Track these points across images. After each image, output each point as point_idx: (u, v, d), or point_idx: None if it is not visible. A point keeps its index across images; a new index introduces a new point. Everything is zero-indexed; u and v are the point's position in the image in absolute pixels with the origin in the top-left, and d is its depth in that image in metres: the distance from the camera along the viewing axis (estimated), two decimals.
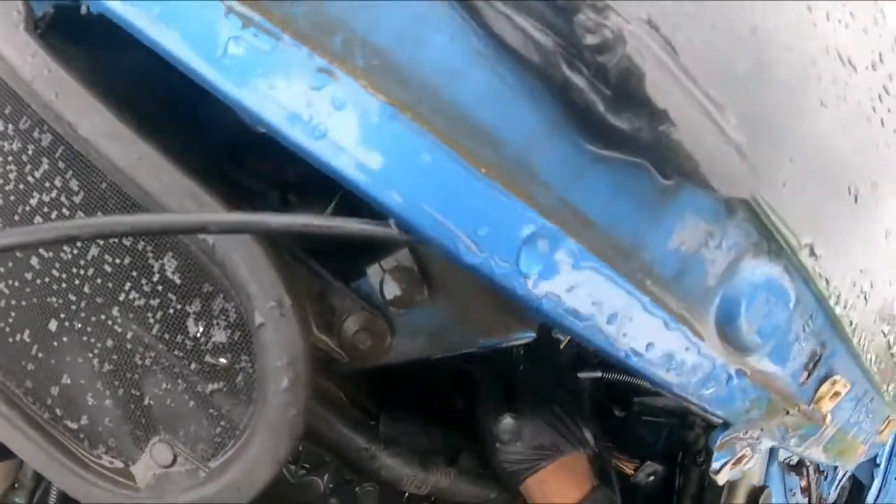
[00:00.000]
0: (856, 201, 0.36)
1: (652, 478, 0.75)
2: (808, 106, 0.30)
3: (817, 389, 0.46)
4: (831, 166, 0.33)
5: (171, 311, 0.34)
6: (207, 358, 0.35)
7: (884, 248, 0.41)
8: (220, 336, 0.35)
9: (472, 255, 0.25)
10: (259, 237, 0.31)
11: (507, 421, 0.52)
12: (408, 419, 0.57)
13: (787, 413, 0.45)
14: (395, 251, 0.39)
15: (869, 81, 0.35)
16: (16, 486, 0.74)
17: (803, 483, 0.76)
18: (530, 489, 0.52)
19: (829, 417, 0.47)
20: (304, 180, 0.43)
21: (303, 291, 0.36)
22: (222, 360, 0.35)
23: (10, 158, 0.38)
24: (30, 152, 0.37)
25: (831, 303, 0.38)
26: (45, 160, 0.36)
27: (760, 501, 0.67)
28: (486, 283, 0.26)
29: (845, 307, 0.40)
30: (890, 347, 0.52)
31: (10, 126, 0.38)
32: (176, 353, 0.35)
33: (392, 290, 0.38)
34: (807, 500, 0.77)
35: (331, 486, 0.55)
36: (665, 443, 0.79)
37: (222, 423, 0.36)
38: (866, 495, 1.03)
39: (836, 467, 0.91)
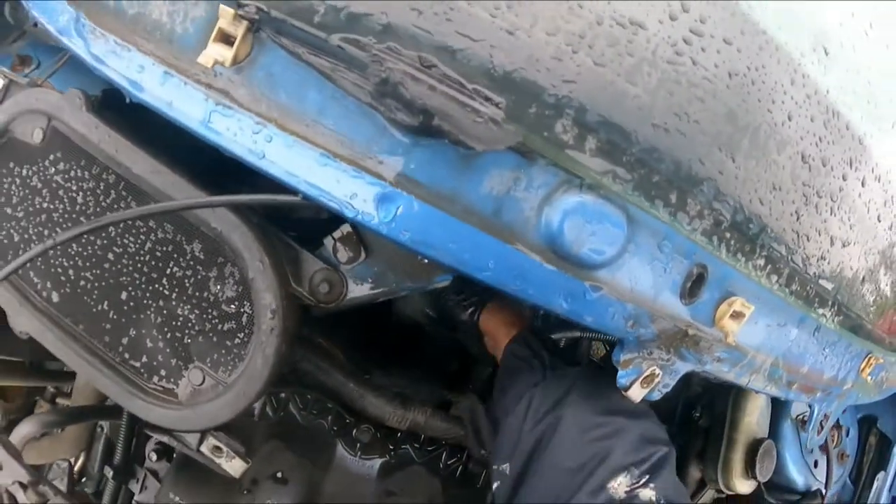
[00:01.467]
0: (667, 132, 0.65)
1: None
2: (578, 69, 0.61)
3: (715, 310, 0.73)
4: (622, 109, 0.63)
5: (199, 276, 0.76)
6: (224, 307, 0.76)
7: (733, 170, 0.69)
8: (230, 291, 0.75)
9: (351, 212, 0.62)
10: (248, 224, 0.71)
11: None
12: (399, 375, 0.95)
13: (687, 335, 0.73)
14: (341, 227, 0.77)
15: (667, 31, 0.64)
16: (84, 479, 1.22)
17: (805, 433, 0.98)
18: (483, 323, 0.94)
19: (732, 338, 0.74)
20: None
21: (282, 257, 0.75)
22: (233, 307, 0.75)
23: (88, 192, 0.83)
24: (102, 187, 0.82)
25: (668, 222, 0.67)
26: (112, 192, 0.81)
27: (760, 453, 0.92)
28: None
29: (691, 226, 0.68)
30: (804, 267, 0.75)
31: (86, 172, 0.83)
32: (204, 304, 0.76)
33: (342, 253, 0.77)
34: (825, 455, 0.98)
35: (334, 427, 0.94)
36: (666, 401, 1.06)
37: (234, 350, 0.76)
38: (893, 450, 1.17)
39: (857, 421, 1.08)
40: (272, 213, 0.79)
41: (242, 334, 0.76)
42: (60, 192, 0.84)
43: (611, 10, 0.63)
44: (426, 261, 0.77)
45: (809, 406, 1.04)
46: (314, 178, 0.62)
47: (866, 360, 0.89)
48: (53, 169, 0.84)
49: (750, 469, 0.92)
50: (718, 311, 0.75)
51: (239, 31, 0.62)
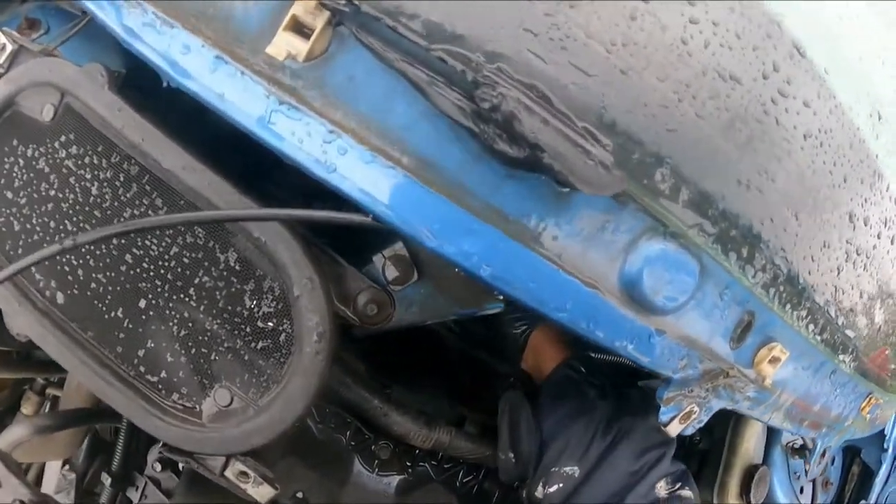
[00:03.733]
0: (748, 189, 0.57)
1: None
2: (682, 120, 0.52)
3: (755, 355, 0.67)
4: (713, 164, 0.54)
5: (233, 289, 0.61)
6: (259, 323, 0.62)
7: (794, 228, 0.61)
8: (267, 307, 0.61)
9: (430, 241, 0.49)
10: (295, 235, 0.57)
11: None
12: (419, 390, 0.83)
13: (728, 375, 0.66)
14: (393, 244, 0.64)
15: (759, 89, 0.56)
16: (66, 467, 1.03)
17: (807, 467, 0.95)
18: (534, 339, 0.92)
19: (769, 381, 0.68)
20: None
21: (327, 274, 0.61)
22: (270, 325, 0.61)
23: (105, 183, 0.65)
24: (121, 178, 0.65)
25: (735, 274, 0.59)
26: (134, 185, 0.64)
27: (755, 479, 0.87)
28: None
29: (755, 279, 0.61)
30: (833, 318, 0.71)
31: (104, 160, 0.65)
32: (236, 319, 0.62)
33: (391, 272, 0.64)
34: (811, 483, 0.96)
35: (352, 443, 0.81)
36: None
37: (268, 371, 0.62)
38: (874, 481, 1.19)
39: (842, 451, 1.08)
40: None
41: (279, 354, 0.62)
42: (72, 180, 0.66)
43: (715, 62, 0.54)
44: (480, 287, 0.66)
45: (802, 437, 1.01)
46: (392, 200, 0.49)
47: (867, 399, 0.86)
48: (64, 152, 0.66)
49: (745, 493, 0.89)
50: (758, 356, 0.69)
51: (318, 22, 0.48)
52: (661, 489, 0.72)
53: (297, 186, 0.67)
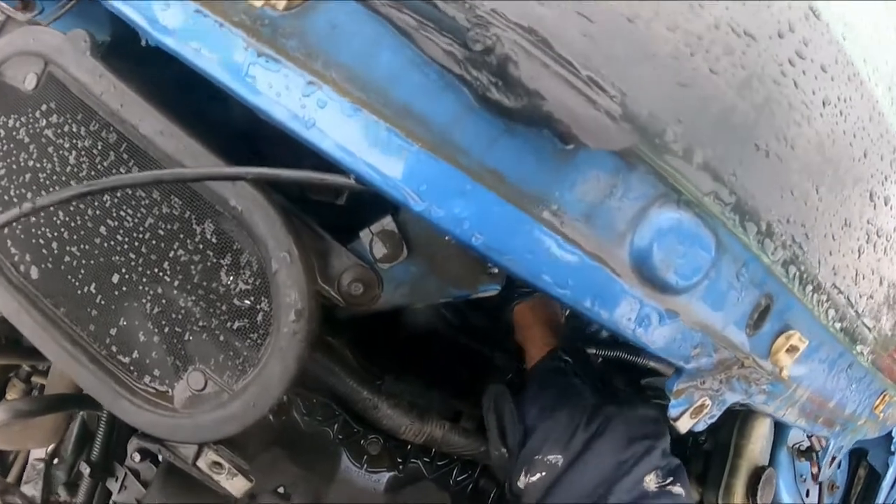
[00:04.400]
0: (767, 156, 0.50)
1: None
2: (694, 74, 0.46)
3: (772, 343, 0.60)
4: (729, 125, 0.48)
5: (209, 263, 0.55)
6: (235, 301, 0.55)
7: (815, 202, 0.55)
8: (245, 283, 0.55)
9: (417, 204, 0.43)
10: (275, 206, 0.51)
11: None
12: (411, 382, 0.76)
13: (742, 365, 0.59)
14: (382, 218, 0.58)
15: (775, 48, 0.50)
16: (56, 460, 0.98)
17: (814, 469, 0.87)
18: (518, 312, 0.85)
19: (786, 372, 0.60)
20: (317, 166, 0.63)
21: (309, 249, 0.55)
22: (247, 302, 0.55)
23: (83, 152, 0.60)
24: (99, 147, 0.59)
25: (754, 250, 0.52)
26: (112, 153, 0.59)
27: (762, 480, 0.79)
28: (439, 234, 0.44)
29: (774, 256, 0.54)
30: (852, 305, 0.64)
31: (82, 128, 0.60)
32: (211, 296, 0.56)
33: (379, 249, 0.57)
34: (817, 486, 0.88)
35: (340, 436, 0.74)
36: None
37: (244, 353, 0.56)
38: (881, 484, 1.10)
39: (848, 453, 0.99)
40: (286, 193, 0.59)
41: (255, 335, 0.56)
42: (50, 150, 0.61)
43: (728, 16, 0.48)
44: (476, 266, 0.59)
45: (808, 437, 0.93)
46: (376, 158, 0.43)
47: (881, 397, 0.78)
48: (45, 121, 0.61)
49: (751, 495, 0.81)
50: (776, 345, 0.61)
51: None
52: (651, 483, 0.66)
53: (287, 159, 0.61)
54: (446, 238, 0.45)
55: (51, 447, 0.97)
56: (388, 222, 0.57)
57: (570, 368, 0.76)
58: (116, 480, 0.73)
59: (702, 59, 0.46)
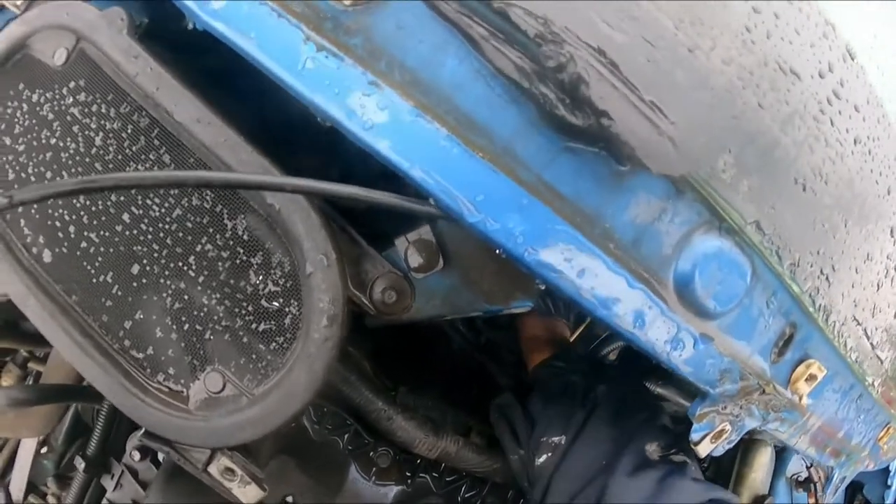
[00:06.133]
0: (804, 190, 0.52)
1: None
2: (744, 108, 0.47)
3: (793, 371, 0.61)
4: (773, 158, 0.49)
5: (238, 261, 0.54)
6: (263, 302, 0.54)
7: (843, 236, 0.57)
8: (274, 284, 0.53)
9: (472, 216, 0.43)
10: (314, 206, 0.50)
11: None
12: (424, 395, 0.75)
13: (763, 392, 0.60)
14: (419, 226, 0.57)
15: (816, 87, 0.52)
16: (45, 449, 0.94)
17: (811, 500, 0.89)
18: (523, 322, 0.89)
19: (805, 400, 0.62)
20: (345, 176, 0.62)
21: (344, 253, 0.54)
22: (275, 304, 0.54)
23: (111, 134, 0.58)
24: (129, 130, 0.58)
25: (786, 279, 0.53)
26: (142, 138, 0.57)
27: None
28: (485, 245, 0.43)
29: (803, 286, 0.55)
30: (868, 337, 0.66)
31: (112, 109, 0.58)
32: (238, 296, 0.54)
33: (415, 258, 0.57)
34: None
35: (350, 447, 0.72)
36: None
37: (268, 357, 0.54)
38: None
39: (846, 487, 1.02)
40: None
41: (282, 339, 0.54)
42: (75, 129, 0.59)
43: (776, 53, 0.49)
44: (512, 281, 0.59)
45: (807, 468, 0.94)
46: (433, 165, 0.43)
47: (885, 429, 0.80)
48: (71, 99, 0.59)
49: None
50: (796, 373, 0.63)
51: None
52: (654, 453, 0.69)
53: (319, 169, 0.61)
54: (496, 251, 0.45)
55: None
56: (425, 231, 0.57)
57: (565, 368, 0.80)
58: (112, 478, 0.70)
59: (752, 94, 0.48)
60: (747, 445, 0.88)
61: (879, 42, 0.62)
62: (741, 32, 0.47)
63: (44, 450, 0.94)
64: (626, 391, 0.77)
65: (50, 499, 0.87)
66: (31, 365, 0.90)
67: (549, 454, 0.70)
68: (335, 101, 0.43)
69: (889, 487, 1.19)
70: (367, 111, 0.43)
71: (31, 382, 0.90)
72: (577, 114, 0.40)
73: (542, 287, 0.54)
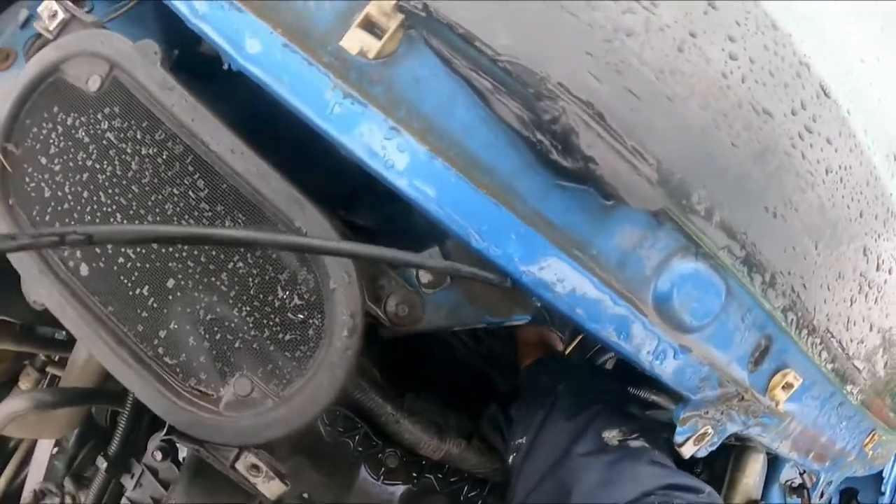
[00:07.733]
0: (774, 217, 0.62)
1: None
2: (718, 147, 0.57)
3: (770, 380, 0.72)
4: (744, 190, 0.60)
5: (267, 278, 0.64)
6: (289, 314, 0.64)
7: (814, 258, 0.67)
8: (300, 298, 0.64)
9: (478, 242, 0.54)
10: (337, 229, 0.60)
11: None
12: (429, 400, 0.86)
13: (743, 398, 0.71)
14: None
15: (788, 124, 0.62)
16: (56, 450, 1.04)
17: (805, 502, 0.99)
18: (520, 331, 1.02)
19: (783, 406, 0.73)
20: (351, 198, 0.73)
21: (362, 270, 0.65)
22: (300, 317, 0.64)
23: (146, 159, 0.68)
24: (164, 156, 0.68)
25: (759, 297, 0.64)
26: (177, 164, 0.67)
27: None
28: (487, 265, 0.54)
29: (775, 303, 0.66)
30: (844, 349, 0.77)
31: (147, 136, 0.68)
32: (266, 308, 0.65)
33: (425, 275, 0.67)
34: None
35: (360, 448, 0.83)
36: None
37: (293, 364, 0.65)
38: None
39: (839, 492, 1.13)
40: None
41: (305, 347, 0.65)
42: (111, 153, 0.69)
43: (750, 96, 0.60)
44: (512, 296, 0.70)
45: (800, 474, 1.05)
46: (446, 200, 0.54)
47: (870, 436, 0.91)
48: (107, 124, 0.69)
49: None
50: (773, 381, 0.74)
51: (392, 22, 0.53)
52: (612, 439, 0.75)
53: (325, 189, 0.71)
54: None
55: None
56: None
57: (543, 370, 0.90)
58: (132, 477, 0.80)
59: (726, 134, 0.58)
60: (740, 452, 0.99)
61: (855, 77, 0.73)
62: (717, 80, 0.58)
63: (54, 450, 1.03)
64: (586, 386, 0.84)
65: (66, 499, 0.97)
66: (49, 369, 1.00)
67: (515, 454, 0.79)
68: (360, 143, 0.54)
69: (883, 494, 1.29)
70: (389, 153, 0.53)
71: (47, 386, 1.00)
72: (567, 158, 0.50)
73: (539, 304, 0.65)
